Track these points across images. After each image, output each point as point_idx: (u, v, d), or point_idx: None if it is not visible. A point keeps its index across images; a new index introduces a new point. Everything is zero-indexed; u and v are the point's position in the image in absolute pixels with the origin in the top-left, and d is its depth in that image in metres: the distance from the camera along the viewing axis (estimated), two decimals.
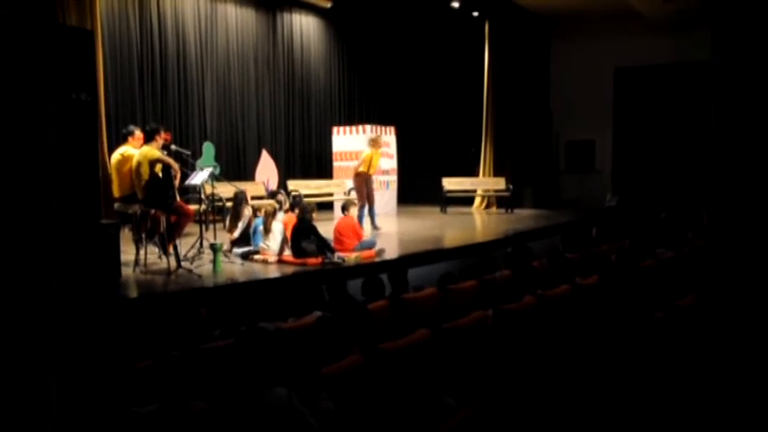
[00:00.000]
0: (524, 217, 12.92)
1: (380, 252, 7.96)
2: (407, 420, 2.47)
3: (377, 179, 13.20)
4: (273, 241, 7.66)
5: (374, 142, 10.68)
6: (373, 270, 6.91)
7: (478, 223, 12.79)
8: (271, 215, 7.84)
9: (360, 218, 9.69)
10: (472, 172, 14.87)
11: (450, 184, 13.76)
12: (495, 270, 6.08)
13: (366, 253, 7.83)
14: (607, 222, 11.33)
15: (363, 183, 10.29)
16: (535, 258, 6.67)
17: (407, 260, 7.85)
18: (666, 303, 4.18)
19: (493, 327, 4.22)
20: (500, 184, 14.27)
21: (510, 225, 11.48)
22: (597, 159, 16.51)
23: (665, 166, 15.58)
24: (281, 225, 7.82)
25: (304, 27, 14.07)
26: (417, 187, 15.04)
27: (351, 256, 7.62)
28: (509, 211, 13.76)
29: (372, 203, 10.37)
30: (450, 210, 13.63)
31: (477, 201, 14.66)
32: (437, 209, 13.61)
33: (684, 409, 2.77)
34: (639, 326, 3.52)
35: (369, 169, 10.38)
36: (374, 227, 10.29)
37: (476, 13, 14.22)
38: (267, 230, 7.72)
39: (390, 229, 11.14)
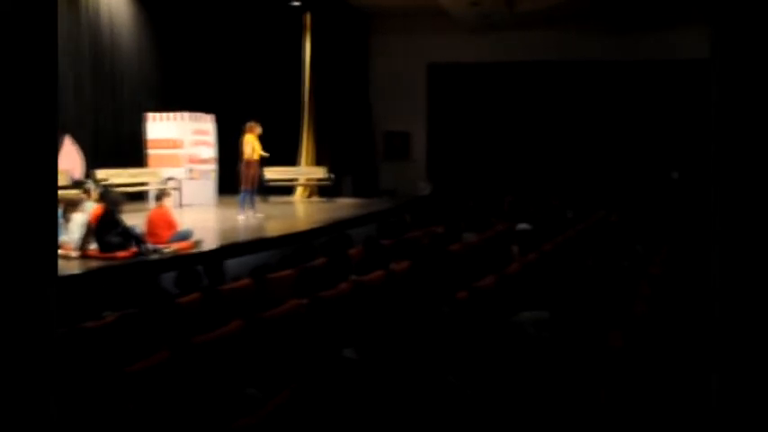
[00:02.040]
0: (344, 205, 13.12)
1: (198, 243, 7.65)
2: (207, 415, 2.37)
3: (196, 168, 12.74)
4: (72, 234, 7.04)
5: (250, 128, 10.57)
6: (189, 262, 6.63)
7: (300, 212, 12.77)
8: (71, 205, 7.20)
9: (241, 202, 10.29)
10: (294, 161, 14.81)
11: (271, 173, 13.57)
12: (314, 259, 6.10)
13: (183, 244, 7.48)
14: (421, 210, 11.87)
15: (248, 168, 10.41)
16: (354, 246, 6.79)
17: (226, 251, 7.62)
18: (468, 284, 4.44)
19: (308, 314, 4.22)
20: (321, 173, 14.36)
21: (330, 213, 11.60)
22: (413, 150, 17.20)
23: (475, 156, 16.62)
24: (84, 216, 7.21)
25: (114, 8, 13.08)
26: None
27: (167, 248, 7.24)
28: (330, 199, 13.89)
29: (254, 188, 10.58)
30: (272, 199, 13.47)
31: (299, 190, 14.64)
32: (258, 198, 13.38)
33: (487, 387, 2.95)
34: (443, 307, 3.69)
35: (252, 154, 10.44)
36: (252, 212, 10.47)
37: (297, 3, 14.12)
38: (67, 222, 7.09)
39: (210, 219, 10.74)
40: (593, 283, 4.22)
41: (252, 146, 10.45)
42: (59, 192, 9.09)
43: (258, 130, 10.59)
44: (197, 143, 12.88)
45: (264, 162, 11.33)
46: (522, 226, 7.66)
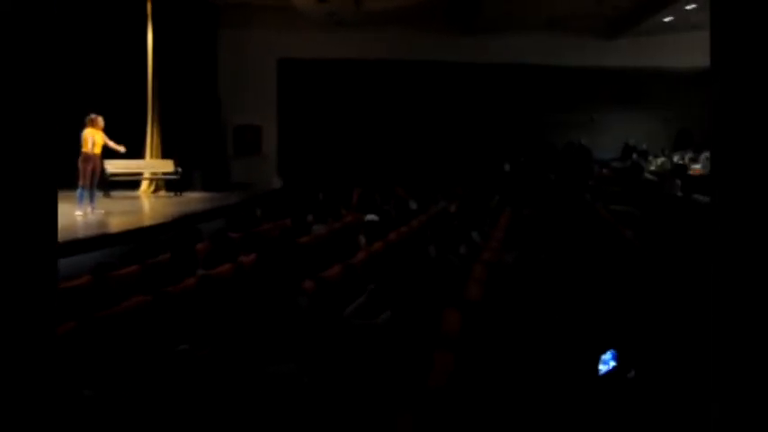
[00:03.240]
0: (193, 200, 12.63)
1: None
2: (40, 419, 2.18)
3: None
4: None
5: (90, 121, 9.86)
6: None
7: (146, 207, 12.10)
8: None
9: (79, 198, 9.62)
10: (139, 155, 14.00)
11: (114, 167, 12.73)
12: (159, 254, 5.82)
13: None
14: (272, 203, 11.71)
15: (86, 162, 9.72)
16: (203, 240, 6.57)
17: (62, 248, 7.06)
18: (315, 275, 4.45)
19: (152, 311, 4.02)
20: (168, 166, 13.69)
21: (177, 208, 11.11)
22: (264, 144, 16.94)
23: (325, 150, 16.71)
24: None
25: None
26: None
27: None
28: (178, 194, 13.31)
29: (94, 184, 9.92)
30: (115, 194, 12.66)
31: (145, 184, 13.86)
32: (100, 193, 12.51)
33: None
34: (289, 297, 3.66)
35: (93, 148, 9.76)
36: (91, 208, 9.83)
37: None
38: None
39: None
40: (432, 269, 4.39)
41: (93, 140, 9.77)
42: None
43: (100, 123, 9.91)
44: None
45: (106, 155, 10.63)
46: (370, 217, 7.80)
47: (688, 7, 14.59)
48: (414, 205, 10.57)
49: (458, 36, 16.74)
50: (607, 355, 2.70)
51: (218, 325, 4.04)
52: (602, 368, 2.68)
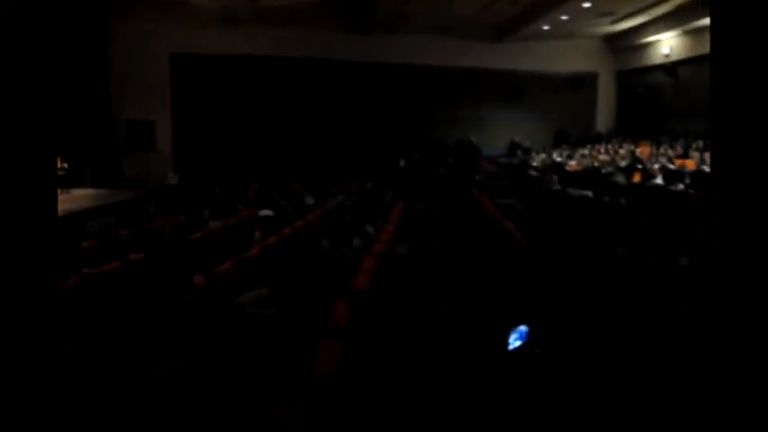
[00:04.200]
0: (81, 197, 11.92)
1: None
2: None
3: None
4: None
5: None
6: None
7: None
8: None
9: None
10: None
11: None
12: None
13: None
14: (167, 199, 11.25)
15: None
16: (90, 237, 6.20)
17: None
18: (208, 270, 4.31)
19: None
20: None
21: (63, 205, 10.44)
22: (158, 139, 16.26)
23: (222, 146, 16.27)
24: None
25: None
26: None
27: None
28: (65, 191, 12.51)
29: None
30: None
31: None
32: None
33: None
34: (179, 294, 3.52)
35: None
36: None
37: None
38: None
39: None
40: (325, 262, 4.36)
41: None
42: None
43: None
44: None
45: None
46: (265, 212, 7.67)
47: (563, 17, 15.41)
48: (310, 200, 10.50)
49: (353, 36, 16.79)
50: (517, 333, 2.75)
51: (103, 325, 3.83)
52: (512, 343, 2.73)
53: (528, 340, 2.75)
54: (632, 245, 4.08)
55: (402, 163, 16.88)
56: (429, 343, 2.99)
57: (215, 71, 16.30)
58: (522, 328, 2.77)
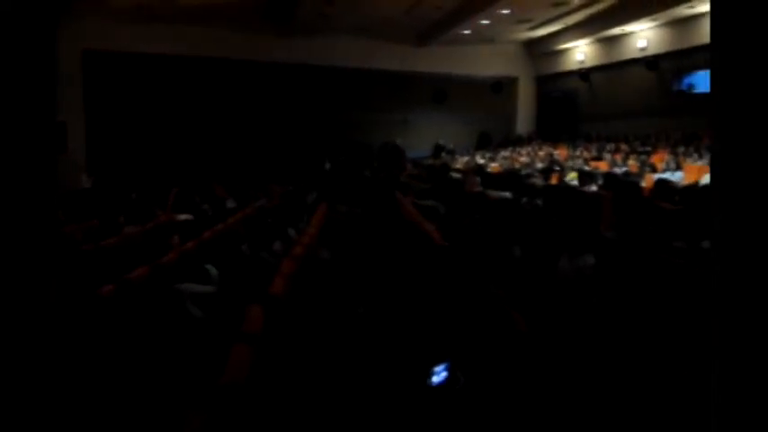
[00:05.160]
0: None
1: None
2: None
3: None
4: None
5: None
6: None
7: None
8: None
9: None
10: None
11: None
12: None
13: None
14: (79, 204, 10.81)
15: None
16: None
17: None
18: (119, 279, 4.18)
19: None
20: None
21: None
22: (70, 141, 15.57)
23: (139, 148, 15.75)
24: None
25: None
26: None
27: None
28: None
29: None
30: None
31: None
32: None
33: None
34: (89, 304, 3.41)
35: None
36: None
37: None
38: None
39: None
40: (243, 267, 4.32)
41: None
42: None
43: None
44: None
45: None
46: (184, 216, 7.52)
47: (483, 22, 15.84)
48: (232, 204, 10.33)
49: (275, 36, 16.64)
50: (440, 368, 2.66)
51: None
52: (435, 380, 2.65)
53: (450, 375, 2.71)
54: (531, 245, 4.24)
55: (327, 166, 16.88)
56: (344, 348, 3.02)
57: (131, 70, 15.78)
58: (441, 366, 2.70)
